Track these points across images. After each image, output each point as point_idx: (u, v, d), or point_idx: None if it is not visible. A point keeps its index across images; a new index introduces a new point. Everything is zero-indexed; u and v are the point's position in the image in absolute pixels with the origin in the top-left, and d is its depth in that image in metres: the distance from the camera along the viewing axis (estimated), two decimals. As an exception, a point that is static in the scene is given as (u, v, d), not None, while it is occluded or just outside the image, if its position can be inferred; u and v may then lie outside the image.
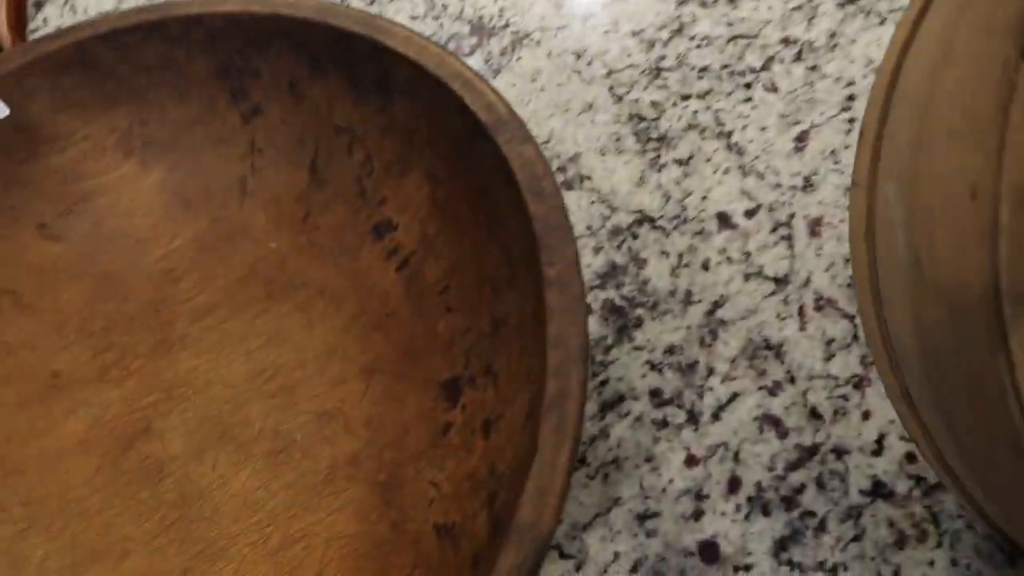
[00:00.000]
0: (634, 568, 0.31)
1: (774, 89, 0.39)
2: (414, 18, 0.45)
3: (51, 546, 0.31)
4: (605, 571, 0.31)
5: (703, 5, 0.42)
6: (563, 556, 0.31)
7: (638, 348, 0.35)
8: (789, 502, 0.31)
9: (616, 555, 0.31)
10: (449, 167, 0.32)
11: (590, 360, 0.35)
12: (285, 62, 0.35)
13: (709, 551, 0.31)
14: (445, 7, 0.45)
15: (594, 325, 0.35)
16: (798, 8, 0.41)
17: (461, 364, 0.31)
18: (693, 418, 0.33)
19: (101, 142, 0.37)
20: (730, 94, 0.39)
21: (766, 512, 0.31)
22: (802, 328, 0.34)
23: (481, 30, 0.44)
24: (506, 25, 0.44)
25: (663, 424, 0.33)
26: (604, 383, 0.34)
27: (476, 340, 0.31)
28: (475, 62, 0.43)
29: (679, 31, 0.42)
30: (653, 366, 0.34)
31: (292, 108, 0.36)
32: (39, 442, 0.33)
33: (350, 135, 0.35)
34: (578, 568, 0.31)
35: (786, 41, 0.40)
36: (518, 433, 0.27)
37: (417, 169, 0.34)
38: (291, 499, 0.31)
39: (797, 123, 0.38)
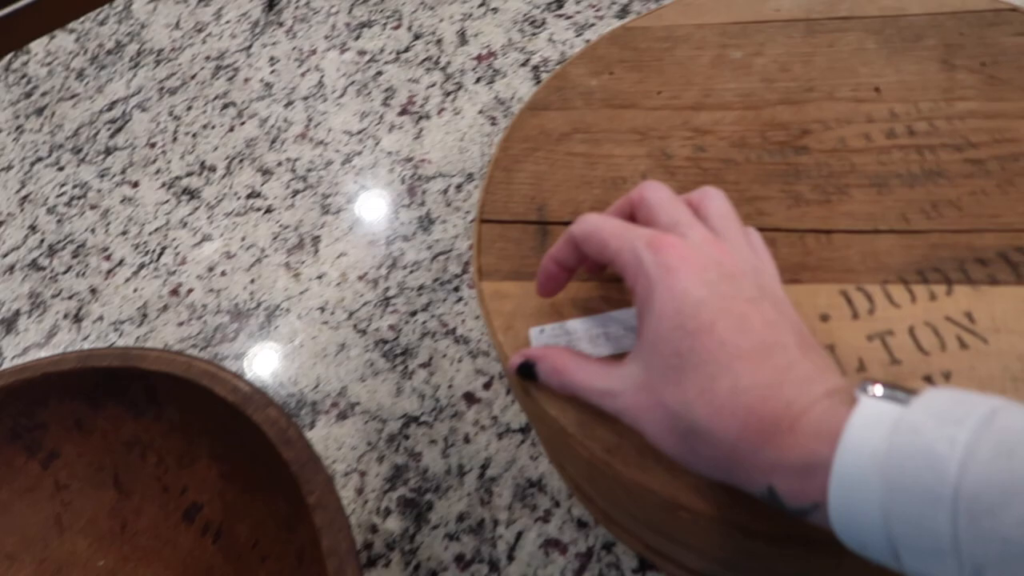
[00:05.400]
0: None
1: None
2: (180, 324, 0.53)
3: None
4: None
5: (406, 239, 0.53)
6: None
7: (435, 527, 0.41)
8: (583, 602, 0.37)
9: None
10: (225, 445, 0.39)
11: (398, 549, 0.41)
12: (67, 408, 0.41)
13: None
14: (205, 306, 0.53)
15: (395, 522, 0.42)
16: (474, 220, 0.52)
17: (283, 600, 0.36)
18: (495, 566, 0.39)
19: (-88, 536, 0.40)
20: (445, 300, 0.49)
21: (569, 618, 0.37)
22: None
23: (239, 315, 0.52)
24: (258, 305, 0.52)
25: (471, 581, 0.39)
26: (417, 567, 0.40)
27: (291, 574, 0.36)
28: (240, 341, 0.51)
29: (394, 265, 0.52)
30: (451, 537, 0.40)
31: (84, 442, 0.42)
32: None
33: (140, 446, 0.41)
34: None
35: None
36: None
37: (203, 455, 0.40)
38: None
39: (499, 304, 0.48)
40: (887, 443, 0.21)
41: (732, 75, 0.40)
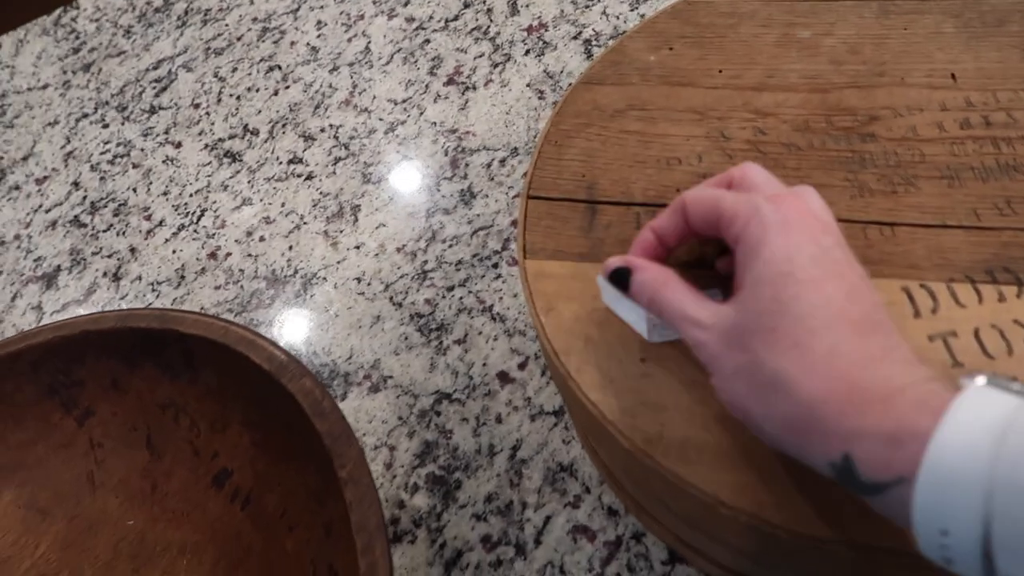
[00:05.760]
0: None
1: (515, 262, 0.48)
2: (217, 287, 0.53)
3: None
4: None
5: (446, 212, 0.52)
6: None
7: (463, 506, 0.40)
8: (612, 593, 0.36)
9: None
10: (259, 412, 0.38)
11: (425, 526, 0.40)
12: (104, 366, 0.41)
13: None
14: (242, 271, 0.53)
15: (423, 499, 0.41)
16: (518, 196, 0.51)
17: (309, 571, 0.36)
18: (521, 550, 0.38)
19: (-51, 484, 0.40)
20: (483, 276, 0.48)
21: (597, 608, 0.36)
22: (584, 446, 0.41)
23: (276, 282, 0.52)
24: (295, 272, 0.52)
25: (498, 564, 0.38)
26: (443, 545, 0.39)
27: (317, 547, 0.36)
28: (276, 308, 0.50)
29: (433, 238, 0.51)
30: (479, 517, 0.40)
31: (119, 401, 0.42)
32: None
33: (174, 409, 0.41)
34: None
35: (515, 223, 0.50)
36: (358, 614, 0.31)
37: (235, 421, 0.40)
38: None
39: (538, 284, 0.47)
40: (999, 433, 0.18)
41: (798, 55, 0.38)
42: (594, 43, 0.58)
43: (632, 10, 0.59)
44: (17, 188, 0.63)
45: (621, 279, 0.29)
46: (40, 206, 0.61)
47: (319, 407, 0.34)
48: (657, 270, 0.28)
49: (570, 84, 0.57)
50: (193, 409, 0.41)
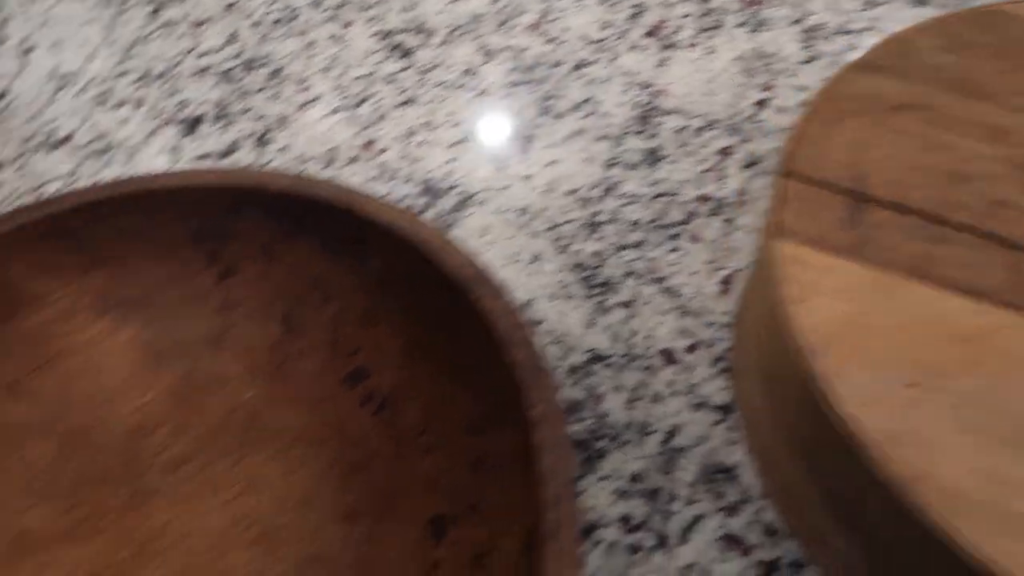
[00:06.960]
0: None
1: (697, 240, 0.45)
2: (367, 180, 0.49)
3: None
4: None
5: (628, 168, 0.48)
6: None
7: (604, 478, 0.37)
8: (756, 616, 0.33)
9: None
10: (424, 319, 0.35)
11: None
12: (260, 227, 0.38)
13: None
14: (396, 171, 0.50)
15: (560, 459, 0.38)
16: (707, 171, 0.47)
17: (445, 503, 0.33)
18: (663, 542, 0.35)
19: (76, 302, 0.37)
20: (660, 245, 0.44)
21: (736, 628, 0.33)
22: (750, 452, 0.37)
23: (430, 192, 0.48)
24: (453, 187, 0.48)
25: (634, 550, 0.35)
26: (574, 514, 0.36)
27: (458, 479, 0.33)
28: (426, 219, 0.47)
29: (609, 191, 0.47)
30: (621, 494, 0.36)
31: (266, 266, 0.39)
32: (0, 617, 0.32)
33: (323, 290, 0.38)
34: None
35: (702, 199, 0.46)
36: (513, 567, 0.28)
37: (390, 321, 0.36)
38: (279, 655, 0.31)
39: (721, 268, 0.43)
40: None
41: (1115, 98, 0.34)
42: (816, 34, 0.54)
43: (864, 9, 0.55)
44: (170, 25, 0.60)
45: None
46: (193, 49, 0.58)
47: (518, 334, 0.30)
48: None
49: (783, 70, 0.52)
50: (345, 296, 0.38)
